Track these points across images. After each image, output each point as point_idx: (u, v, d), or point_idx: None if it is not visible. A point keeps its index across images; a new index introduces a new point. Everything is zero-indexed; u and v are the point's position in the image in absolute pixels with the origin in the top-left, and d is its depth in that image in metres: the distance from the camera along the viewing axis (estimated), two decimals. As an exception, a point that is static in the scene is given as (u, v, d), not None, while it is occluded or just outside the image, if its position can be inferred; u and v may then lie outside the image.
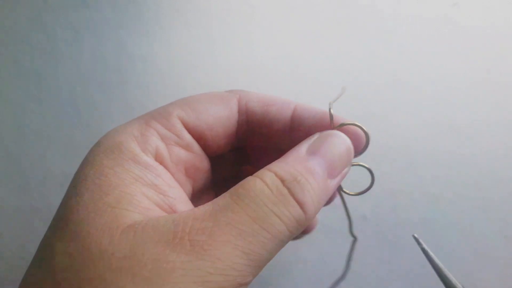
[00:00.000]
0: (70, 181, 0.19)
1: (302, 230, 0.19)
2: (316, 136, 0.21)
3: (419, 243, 0.25)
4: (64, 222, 0.17)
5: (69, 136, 0.37)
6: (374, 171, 0.23)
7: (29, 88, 0.37)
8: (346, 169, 0.21)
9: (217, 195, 0.19)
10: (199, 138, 0.21)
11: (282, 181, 0.18)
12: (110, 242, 0.16)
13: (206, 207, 0.17)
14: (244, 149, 0.26)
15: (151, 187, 0.18)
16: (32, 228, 0.36)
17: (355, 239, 0.27)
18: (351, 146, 0.21)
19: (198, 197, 0.24)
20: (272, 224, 0.17)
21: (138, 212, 0.17)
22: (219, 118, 0.22)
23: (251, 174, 0.19)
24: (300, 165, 0.19)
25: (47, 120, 0.37)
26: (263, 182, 0.18)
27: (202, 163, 0.23)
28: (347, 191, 0.23)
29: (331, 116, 0.22)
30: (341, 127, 0.22)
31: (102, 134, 0.38)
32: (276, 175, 0.18)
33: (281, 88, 0.40)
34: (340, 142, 0.20)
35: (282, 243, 0.18)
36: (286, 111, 0.23)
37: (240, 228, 0.16)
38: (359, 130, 0.22)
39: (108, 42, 0.38)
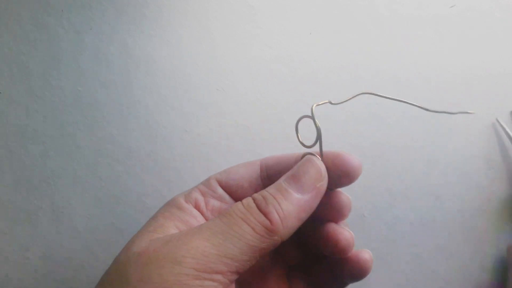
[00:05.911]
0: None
1: (274, 238, 0.22)
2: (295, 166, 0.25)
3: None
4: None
5: (71, 136, 0.37)
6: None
7: (32, 89, 0.38)
8: (320, 184, 0.24)
9: None
10: (230, 191, 0.28)
11: (254, 199, 0.23)
12: (128, 249, 0.23)
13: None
14: None
15: (184, 222, 0.25)
16: (35, 227, 0.36)
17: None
18: (318, 163, 0.25)
19: None
20: (240, 227, 0.22)
21: (163, 235, 0.23)
22: (244, 175, 0.29)
23: None
24: (272, 188, 0.24)
25: (50, 121, 0.37)
26: (241, 203, 0.23)
27: None
28: (303, 143, 0.27)
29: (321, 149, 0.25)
30: (303, 156, 0.26)
31: (105, 134, 0.39)
32: (251, 197, 0.24)
33: (281, 88, 0.40)
34: (307, 162, 0.25)
35: (254, 247, 0.22)
36: (296, 159, 0.27)
37: (213, 229, 0.22)
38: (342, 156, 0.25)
39: (110, 43, 0.39)
